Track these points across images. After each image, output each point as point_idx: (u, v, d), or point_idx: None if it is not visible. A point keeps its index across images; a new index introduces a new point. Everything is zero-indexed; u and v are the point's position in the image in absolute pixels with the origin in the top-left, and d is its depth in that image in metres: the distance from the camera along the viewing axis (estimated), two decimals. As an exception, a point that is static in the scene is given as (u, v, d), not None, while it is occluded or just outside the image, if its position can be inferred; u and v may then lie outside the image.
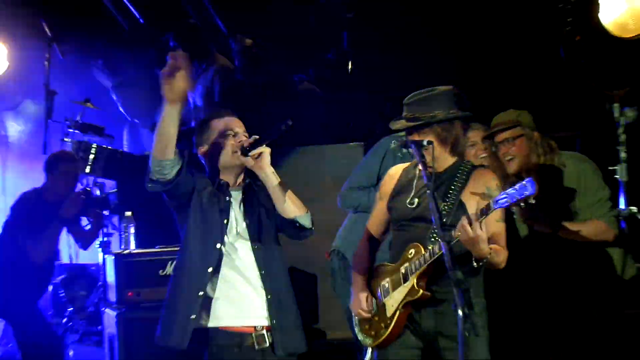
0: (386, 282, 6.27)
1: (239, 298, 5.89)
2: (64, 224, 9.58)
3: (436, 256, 5.79)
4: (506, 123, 7.40)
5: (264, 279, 5.90)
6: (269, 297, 5.87)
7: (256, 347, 5.81)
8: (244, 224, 5.97)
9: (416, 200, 6.24)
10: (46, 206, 9.54)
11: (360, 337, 6.46)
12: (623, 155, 8.79)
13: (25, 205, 9.78)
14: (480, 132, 7.50)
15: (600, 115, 9.52)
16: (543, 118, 8.11)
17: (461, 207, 6.02)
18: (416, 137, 6.13)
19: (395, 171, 6.60)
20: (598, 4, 9.20)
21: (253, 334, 5.82)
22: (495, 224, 5.97)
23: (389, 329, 6.12)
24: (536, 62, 11.27)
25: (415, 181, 6.31)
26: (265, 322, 5.86)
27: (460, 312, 5.31)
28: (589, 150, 9.44)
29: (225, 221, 5.92)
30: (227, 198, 5.97)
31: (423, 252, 6.02)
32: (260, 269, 5.90)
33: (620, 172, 8.66)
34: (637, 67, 9.78)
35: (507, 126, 7.37)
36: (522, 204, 5.75)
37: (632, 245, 8.28)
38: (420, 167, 6.04)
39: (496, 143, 7.31)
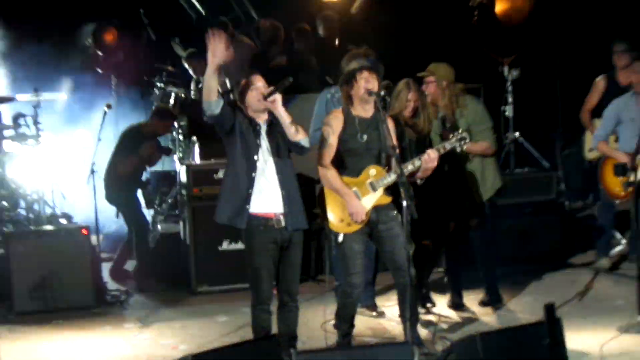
0: (355, 190, 7.44)
1: (266, 194, 7.15)
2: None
3: (401, 176, 6.98)
4: (426, 72, 8.89)
5: (281, 181, 7.14)
6: (283, 193, 7.13)
7: (275, 225, 7.16)
8: (269, 145, 7.18)
9: (365, 136, 7.47)
10: (143, 138, 11.33)
11: (335, 226, 7.51)
12: (509, 100, 11.73)
13: (130, 132, 11.50)
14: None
15: (496, 73, 12.03)
16: (459, 74, 9.34)
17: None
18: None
19: (337, 113, 7.64)
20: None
21: (273, 218, 7.14)
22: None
23: (363, 220, 7.41)
24: (455, 34, 12.54)
25: (357, 121, 7.49)
26: (282, 210, 7.14)
27: (405, 204, 6.73)
28: (489, 96, 11.58)
29: (258, 142, 7.15)
30: (258, 128, 7.18)
31: (385, 172, 7.43)
32: (278, 174, 7.14)
33: (508, 111, 11.67)
34: (519, 43, 11.88)
35: (426, 74, 8.87)
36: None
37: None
38: (359, 112, 7.50)
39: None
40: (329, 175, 7.41)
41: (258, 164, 7.12)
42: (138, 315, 9.76)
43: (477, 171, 8.97)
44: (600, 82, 10.19)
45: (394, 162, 7.26)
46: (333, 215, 7.48)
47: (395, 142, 7.37)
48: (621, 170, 9.05)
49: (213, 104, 6.91)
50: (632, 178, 8.63)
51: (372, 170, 7.39)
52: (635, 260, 8.44)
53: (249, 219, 7.11)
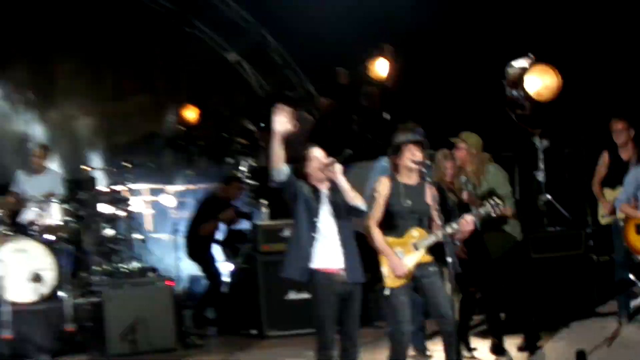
0: (399, 249, 7.33)
1: (327, 252, 7.12)
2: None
3: (444, 236, 7.13)
4: (459, 139, 8.89)
5: (341, 240, 7.13)
6: (343, 250, 7.11)
7: (336, 280, 7.09)
8: (330, 209, 7.17)
9: (409, 201, 7.34)
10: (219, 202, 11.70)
11: (383, 280, 7.34)
12: (541, 166, 11.64)
13: (208, 199, 11.90)
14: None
15: (529, 143, 11.91)
16: (494, 144, 9.71)
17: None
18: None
19: (385, 180, 7.51)
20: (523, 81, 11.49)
21: (335, 273, 7.09)
22: None
23: (406, 274, 7.30)
24: (491, 107, 12.16)
25: (402, 188, 7.38)
26: (342, 266, 7.10)
27: (449, 260, 6.93)
28: (522, 163, 11.82)
29: (319, 207, 7.15)
30: (319, 194, 7.18)
31: (427, 234, 7.30)
32: (339, 234, 7.13)
33: (540, 176, 11.60)
34: (547, 117, 11.72)
35: (458, 141, 8.88)
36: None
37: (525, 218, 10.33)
38: (405, 179, 7.39)
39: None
40: (374, 234, 7.35)
41: (319, 226, 7.12)
42: (215, 357, 9.80)
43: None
44: (605, 156, 10.04)
45: (434, 225, 7.31)
46: (382, 271, 7.38)
47: (436, 206, 7.35)
48: None
49: (279, 171, 6.96)
50: None
51: (415, 232, 7.30)
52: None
53: (312, 274, 7.11)
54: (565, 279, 10.70)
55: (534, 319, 9.30)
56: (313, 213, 7.14)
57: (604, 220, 10.20)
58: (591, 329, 9.80)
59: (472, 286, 8.85)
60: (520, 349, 9.10)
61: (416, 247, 7.29)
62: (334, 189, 7.18)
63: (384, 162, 8.96)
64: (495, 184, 8.83)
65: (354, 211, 7.16)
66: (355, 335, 7.31)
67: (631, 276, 10.26)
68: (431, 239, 7.31)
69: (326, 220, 7.17)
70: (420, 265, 7.32)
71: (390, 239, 7.35)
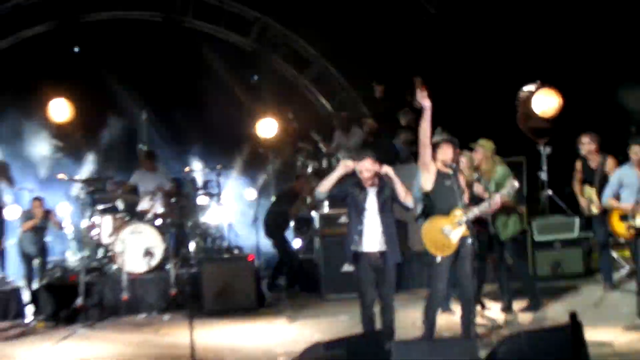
0: (446, 225, 7.25)
1: (372, 238, 7.22)
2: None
3: (468, 220, 7.17)
4: (478, 144, 8.84)
5: (383, 229, 7.19)
6: (384, 238, 7.19)
7: (374, 259, 7.22)
8: (375, 204, 7.21)
9: (448, 182, 7.26)
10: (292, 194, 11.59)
11: (432, 251, 7.30)
12: (544, 168, 11.56)
13: (285, 191, 11.84)
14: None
15: (535, 150, 11.76)
16: (509, 150, 10.11)
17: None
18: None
19: (433, 168, 7.35)
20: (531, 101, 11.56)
21: (373, 255, 7.20)
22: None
23: (452, 248, 7.26)
24: (507, 123, 11.81)
25: (440, 174, 7.30)
26: (383, 248, 7.20)
27: (470, 241, 7.13)
28: (531, 165, 11.49)
29: (366, 203, 7.19)
30: (366, 192, 7.19)
31: (467, 212, 7.21)
32: (381, 225, 7.19)
33: (543, 176, 11.51)
34: (549, 130, 11.71)
35: (477, 146, 8.82)
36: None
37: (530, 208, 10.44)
38: (441, 169, 7.30)
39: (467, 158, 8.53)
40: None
41: (365, 219, 7.20)
42: (286, 315, 9.74)
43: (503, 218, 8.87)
44: (578, 164, 10.01)
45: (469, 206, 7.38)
46: (433, 245, 7.31)
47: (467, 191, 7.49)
48: (624, 218, 8.84)
49: (321, 195, 7.33)
50: (632, 223, 8.57)
51: (457, 211, 7.22)
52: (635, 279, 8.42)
53: (356, 255, 7.24)
54: (562, 257, 10.60)
55: (536, 286, 9.19)
56: (360, 208, 7.21)
57: (587, 210, 10.08)
58: (582, 295, 9.71)
59: (487, 258, 8.83)
60: (524, 309, 8.98)
61: (459, 224, 7.22)
62: (380, 190, 7.20)
63: None
64: (501, 181, 8.66)
65: (403, 206, 7.30)
66: (389, 298, 7.34)
67: (613, 253, 10.35)
68: (470, 216, 7.28)
69: (371, 214, 7.20)
70: (461, 238, 7.26)
71: (438, 217, 7.29)
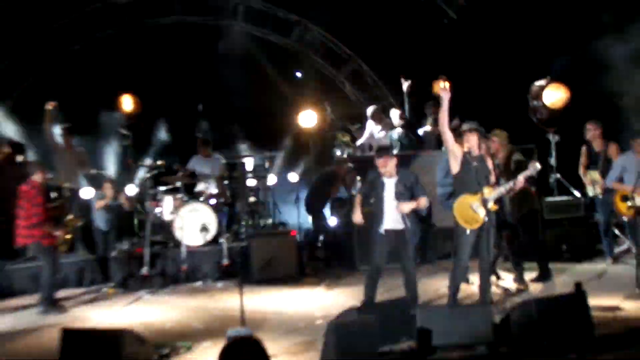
0: (475, 202, 7.25)
1: (390, 219, 7.48)
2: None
3: (488, 201, 7.20)
4: (494, 134, 8.81)
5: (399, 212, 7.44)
6: (401, 219, 7.42)
7: (393, 235, 7.47)
8: (392, 193, 7.48)
9: (475, 164, 7.29)
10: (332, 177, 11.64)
11: (463, 225, 7.30)
12: (553, 154, 11.42)
13: (326, 173, 11.86)
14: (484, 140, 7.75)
15: (545, 138, 11.66)
16: (522, 138, 10.21)
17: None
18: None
19: (459, 152, 7.42)
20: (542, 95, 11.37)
21: (391, 231, 7.47)
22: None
23: (480, 222, 7.26)
24: (520, 114, 11.72)
25: (467, 155, 7.34)
26: (401, 227, 7.46)
27: (487, 218, 7.14)
28: (541, 152, 11.37)
29: (384, 192, 7.48)
30: (384, 184, 7.50)
31: (491, 191, 7.26)
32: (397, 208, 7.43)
33: (552, 161, 11.35)
34: (558, 119, 11.54)
35: (493, 136, 8.77)
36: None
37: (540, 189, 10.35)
38: (473, 154, 7.32)
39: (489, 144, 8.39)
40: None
41: (385, 204, 7.50)
42: (324, 284, 9.80)
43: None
44: (584, 149, 10.17)
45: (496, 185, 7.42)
46: (463, 219, 7.31)
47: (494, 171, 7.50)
48: (626, 198, 8.97)
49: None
50: (632, 203, 8.71)
51: (486, 190, 7.25)
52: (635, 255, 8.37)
53: (381, 231, 7.48)
54: (570, 234, 10.53)
55: (546, 260, 9.12)
56: (380, 195, 7.51)
57: (590, 192, 10.29)
58: (586, 268, 9.68)
59: (502, 234, 8.71)
60: (535, 280, 8.96)
61: (485, 202, 7.23)
62: (398, 181, 7.48)
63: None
64: (518, 164, 8.69)
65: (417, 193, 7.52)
66: (411, 266, 7.58)
67: (615, 230, 10.33)
68: (497, 193, 7.34)
69: (390, 200, 7.47)
70: (488, 213, 7.24)
71: (467, 195, 7.29)
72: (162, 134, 12.65)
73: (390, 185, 7.50)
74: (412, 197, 7.47)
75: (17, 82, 12.83)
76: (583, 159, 10.23)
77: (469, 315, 6.51)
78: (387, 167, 7.48)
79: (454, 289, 7.50)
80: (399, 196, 7.44)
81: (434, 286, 8.76)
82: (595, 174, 10.02)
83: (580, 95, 11.49)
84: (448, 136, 7.39)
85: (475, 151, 7.38)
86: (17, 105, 12.40)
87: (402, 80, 11.96)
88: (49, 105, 10.24)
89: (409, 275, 7.54)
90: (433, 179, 9.27)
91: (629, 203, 8.78)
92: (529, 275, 8.98)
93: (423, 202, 7.49)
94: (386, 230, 7.48)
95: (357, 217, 7.83)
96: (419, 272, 8.33)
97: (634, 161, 9.09)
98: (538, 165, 7.61)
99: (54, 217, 8.99)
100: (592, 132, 10.06)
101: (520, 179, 7.42)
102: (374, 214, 7.65)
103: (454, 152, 7.42)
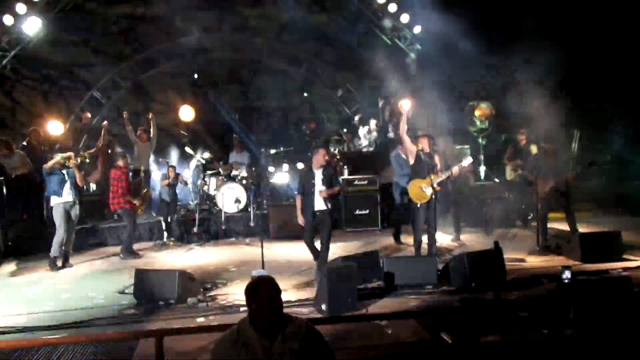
0: (424, 185, 7.09)
1: (319, 202, 6.73)
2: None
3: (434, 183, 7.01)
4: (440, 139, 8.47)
5: (324, 197, 6.68)
6: (325, 201, 6.73)
7: (319, 214, 6.69)
8: (320, 180, 6.74)
9: (424, 158, 7.13)
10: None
11: (415, 200, 7.16)
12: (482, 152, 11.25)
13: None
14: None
15: (477, 141, 11.41)
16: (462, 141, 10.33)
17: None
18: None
19: (414, 150, 7.22)
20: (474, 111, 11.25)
21: (317, 211, 6.68)
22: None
23: (427, 199, 7.11)
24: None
25: (422, 153, 7.15)
26: (324, 208, 6.72)
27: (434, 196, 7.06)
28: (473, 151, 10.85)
29: (314, 180, 6.75)
30: (313, 174, 6.78)
31: (436, 177, 7.07)
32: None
33: (481, 157, 10.97)
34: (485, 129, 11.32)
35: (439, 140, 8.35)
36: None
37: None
38: (425, 150, 7.13)
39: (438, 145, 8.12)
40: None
41: (315, 189, 6.73)
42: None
43: None
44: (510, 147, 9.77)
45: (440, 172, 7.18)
46: (416, 196, 7.14)
47: (440, 162, 7.27)
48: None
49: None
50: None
51: (432, 176, 7.09)
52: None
53: (315, 213, 6.76)
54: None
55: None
56: (311, 183, 6.77)
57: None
58: (504, 232, 9.35)
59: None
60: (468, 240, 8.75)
61: (432, 184, 7.05)
62: (325, 170, 6.79)
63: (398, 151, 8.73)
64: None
65: (334, 183, 6.85)
66: (326, 238, 6.80)
67: None
68: (440, 179, 7.12)
69: (319, 186, 6.74)
70: (433, 193, 7.09)
71: (419, 180, 7.13)
72: (210, 134, 12.42)
73: (318, 174, 6.83)
74: (331, 185, 6.82)
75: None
76: (508, 154, 9.88)
77: (420, 263, 6.50)
78: (323, 159, 6.79)
79: (417, 244, 7.34)
80: (325, 182, 6.76)
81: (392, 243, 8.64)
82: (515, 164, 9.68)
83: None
84: (405, 139, 7.30)
85: (426, 149, 7.25)
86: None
87: (379, 99, 11.72)
88: (125, 114, 10.19)
89: (323, 245, 6.86)
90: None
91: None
92: (463, 237, 8.86)
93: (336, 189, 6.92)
94: (315, 210, 6.76)
95: (301, 219, 6.84)
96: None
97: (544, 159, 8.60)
98: (470, 159, 7.47)
99: (134, 190, 8.95)
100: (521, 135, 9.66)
101: (456, 169, 7.23)
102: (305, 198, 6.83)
103: (411, 150, 7.23)
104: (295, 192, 7.03)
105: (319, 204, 6.77)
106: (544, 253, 7.58)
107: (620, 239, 7.09)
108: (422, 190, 7.13)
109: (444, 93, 11.51)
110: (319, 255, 6.82)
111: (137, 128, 10.45)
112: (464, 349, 4.09)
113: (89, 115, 10.97)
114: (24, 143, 9.72)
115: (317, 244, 6.89)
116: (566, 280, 4.84)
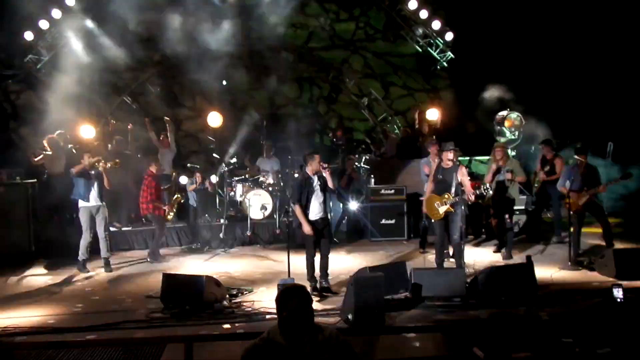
0: (438, 203, 7.05)
1: (316, 208, 6.67)
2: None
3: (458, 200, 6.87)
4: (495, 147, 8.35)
5: (322, 203, 6.70)
6: (324, 205, 6.71)
7: (319, 222, 6.63)
8: (318, 186, 6.66)
9: (440, 176, 7.09)
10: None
11: (430, 215, 7.17)
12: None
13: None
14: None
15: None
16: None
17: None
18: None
19: (434, 164, 7.38)
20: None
21: (316, 219, 6.61)
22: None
23: (439, 217, 7.08)
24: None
25: (441, 169, 7.12)
26: (322, 216, 6.70)
27: (462, 209, 6.93)
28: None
29: (313, 186, 6.63)
30: (312, 180, 6.64)
31: (452, 197, 6.92)
32: (323, 198, 6.71)
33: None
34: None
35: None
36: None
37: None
38: (444, 164, 7.02)
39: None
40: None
41: (314, 196, 6.65)
42: (346, 249, 9.47)
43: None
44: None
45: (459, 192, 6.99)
46: (430, 212, 7.16)
47: (465, 180, 7.08)
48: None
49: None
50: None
51: (446, 195, 7.01)
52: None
53: (312, 222, 6.65)
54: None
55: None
56: (310, 189, 6.65)
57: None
58: (536, 246, 9.12)
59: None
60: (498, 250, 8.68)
61: (446, 203, 6.99)
62: (320, 177, 6.67)
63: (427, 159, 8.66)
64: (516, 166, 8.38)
65: (330, 191, 6.82)
66: (327, 248, 6.76)
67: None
68: (452, 201, 6.96)
69: (317, 192, 6.67)
70: (448, 212, 7.02)
71: (435, 196, 7.10)
72: (238, 140, 12.13)
73: (315, 180, 6.71)
74: (325, 191, 6.74)
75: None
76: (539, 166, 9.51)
77: (448, 275, 6.43)
78: (318, 165, 6.64)
79: (439, 258, 7.31)
80: (321, 187, 6.69)
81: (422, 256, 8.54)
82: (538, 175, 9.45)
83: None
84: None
85: (447, 164, 7.09)
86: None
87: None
88: (146, 120, 10.42)
89: (324, 254, 6.80)
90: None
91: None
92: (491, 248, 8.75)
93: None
94: (312, 220, 6.66)
95: (307, 228, 6.60)
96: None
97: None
98: (491, 192, 7.30)
99: (165, 196, 9.05)
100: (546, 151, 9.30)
101: (472, 196, 6.98)
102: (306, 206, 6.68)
103: (431, 164, 7.40)
104: (292, 202, 6.81)
105: (321, 211, 6.71)
106: (576, 268, 7.45)
107: (656, 255, 6.84)
108: (435, 207, 7.08)
109: (472, 102, 11.42)
110: (312, 274, 6.71)
111: (161, 133, 10.56)
112: (496, 364, 4.01)
113: (114, 121, 11.12)
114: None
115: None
116: (619, 300, 4.65)
